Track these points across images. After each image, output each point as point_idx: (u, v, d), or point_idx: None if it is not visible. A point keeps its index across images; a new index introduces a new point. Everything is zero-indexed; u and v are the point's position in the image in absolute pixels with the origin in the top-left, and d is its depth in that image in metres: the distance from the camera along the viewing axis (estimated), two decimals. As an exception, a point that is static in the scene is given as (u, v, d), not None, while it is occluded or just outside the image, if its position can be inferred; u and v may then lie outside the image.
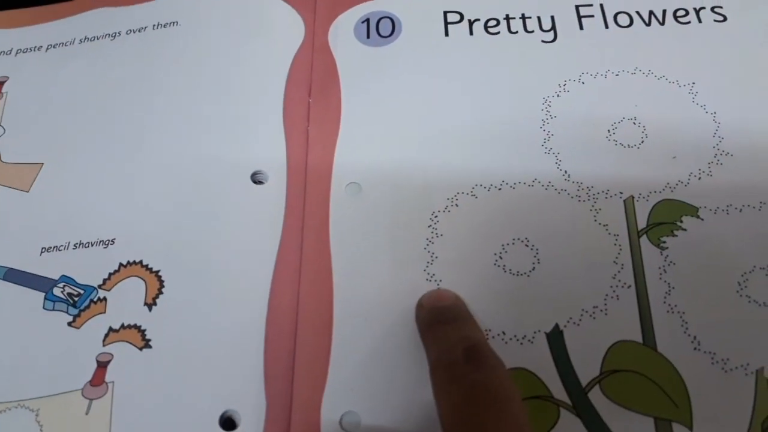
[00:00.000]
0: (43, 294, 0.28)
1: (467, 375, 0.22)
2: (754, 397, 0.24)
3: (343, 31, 0.35)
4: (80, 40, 0.36)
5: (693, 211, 0.28)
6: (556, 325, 0.26)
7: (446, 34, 0.34)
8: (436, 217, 0.29)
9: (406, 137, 0.31)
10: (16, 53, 0.36)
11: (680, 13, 0.33)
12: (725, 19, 0.33)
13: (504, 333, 0.26)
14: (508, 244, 0.28)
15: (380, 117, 0.32)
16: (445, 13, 0.35)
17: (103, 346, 0.27)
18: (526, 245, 0.28)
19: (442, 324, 0.25)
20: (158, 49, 0.35)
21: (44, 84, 0.35)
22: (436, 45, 0.34)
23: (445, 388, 0.22)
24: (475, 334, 0.24)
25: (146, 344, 0.27)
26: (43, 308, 0.28)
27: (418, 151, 0.31)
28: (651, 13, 0.34)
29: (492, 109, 0.31)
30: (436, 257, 0.28)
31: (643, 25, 0.33)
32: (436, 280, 0.27)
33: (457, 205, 0.29)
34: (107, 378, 0.26)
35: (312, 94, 0.33)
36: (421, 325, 0.26)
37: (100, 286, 0.28)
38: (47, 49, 0.36)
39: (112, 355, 0.27)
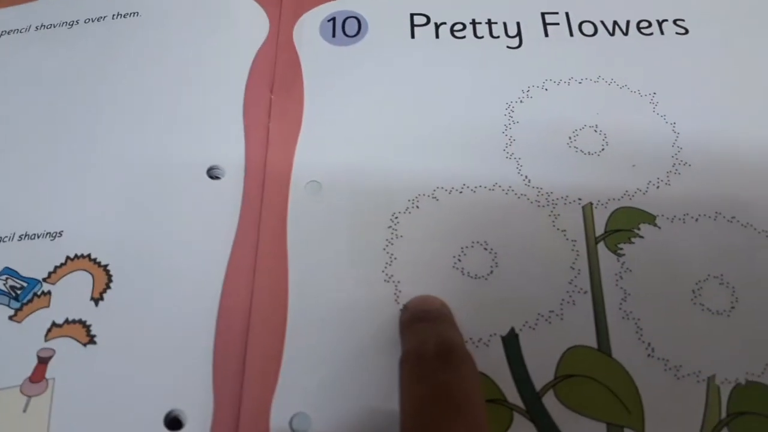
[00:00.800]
0: (-16, 287, 0.27)
1: (433, 374, 0.22)
2: (705, 405, 0.24)
3: (308, 29, 0.34)
4: (36, 27, 0.35)
5: (651, 219, 0.28)
6: (512, 329, 0.26)
7: (412, 36, 0.34)
8: (396, 218, 0.29)
9: (369, 137, 0.31)
10: (-32, 39, 0.35)
11: (643, 24, 0.34)
12: (687, 32, 0.34)
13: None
14: (467, 247, 0.28)
15: (343, 116, 0.31)
16: (412, 15, 0.35)
17: (45, 341, 0.26)
18: (485, 249, 0.28)
19: (422, 321, 0.25)
20: (117, 39, 0.34)
21: (-4, 70, 0.34)
22: (402, 47, 0.34)
23: (409, 387, 0.22)
24: (451, 333, 0.24)
25: (91, 340, 0.26)
26: (-17, 301, 0.27)
27: (380, 152, 0.30)
28: (615, 23, 0.34)
29: (455, 112, 0.31)
30: (395, 258, 0.28)
31: (607, 34, 0.34)
32: (394, 281, 0.27)
33: (417, 206, 0.29)
34: (48, 374, 0.25)
35: (274, 91, 0.32)
36: (402, 323, 0.26)
37: (45, 280, 0.27)
38: (0, 35, 0.35)
39: (54, 350, 0.25)
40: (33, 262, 0.27)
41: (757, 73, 0.32)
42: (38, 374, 0.25)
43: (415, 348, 0.23)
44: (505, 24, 0.34)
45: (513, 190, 0.29)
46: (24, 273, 0.27)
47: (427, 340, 0.23)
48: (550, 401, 0.25)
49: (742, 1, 0.34)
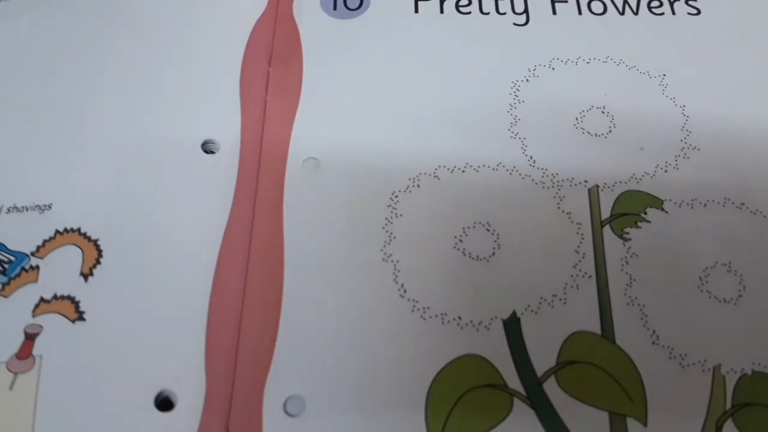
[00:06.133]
0: (-29, 260, 0.26)
1: None
2: (710, 394, 0.24)
3: (308, 1, 0.33)
4: (27, -6, 0.34)
5: (658, 203, 0.27)
6: (514, 313, 0.25)
7: (416, 10, 0.33)
8: (396, 196, 0.28)
9: (369, 113, 0.30)
10: (-44, 5, 0.34)
11: (654, 3, 0.33)
12: (699, 12, 0.33)
13: (460, 318, 0.25)
14: (468, 228, 0.27)
15: (343, 91, 0.31)
16: (416, -12, 0.34)
17: (33, 317, 0.25)
18: (487, 230, 0.27)
19: None
20: (111, 7, 0.33)
21: (-15, 38, 0.32)
22: (405, 21, 0.33)
23: None
24: None
25: (79, 316, 0.25)
26: (-30, 275, 0.26)
27: (380, 129, 0.29)
28: (625, 1, 0.33)
29: (459, 90, 0.30)
30: (395, 237, 0.27)
31: (617, 13, 0.33)
32: (393, 261, 0.26)
33: (418, 185, 0.28)
34: (35, 351, 0.24)
35: (272, 64, 0.31)
36: None
37: (33, 254, 0.26)
38: (-10, 1, 0.34)
39: (41, 326, 0.25)
40: (21, 236, 0.27)
41: (770, 56, 0.31)
42: (25, 351, 0.24)
43: None
44: (512, 0, 0.33)
45: (517, 171, 0.28)
46: (11, 246, 0.26)
47: None
48: (551, 388, 0.24)
49: (756, -18, 0.33)
